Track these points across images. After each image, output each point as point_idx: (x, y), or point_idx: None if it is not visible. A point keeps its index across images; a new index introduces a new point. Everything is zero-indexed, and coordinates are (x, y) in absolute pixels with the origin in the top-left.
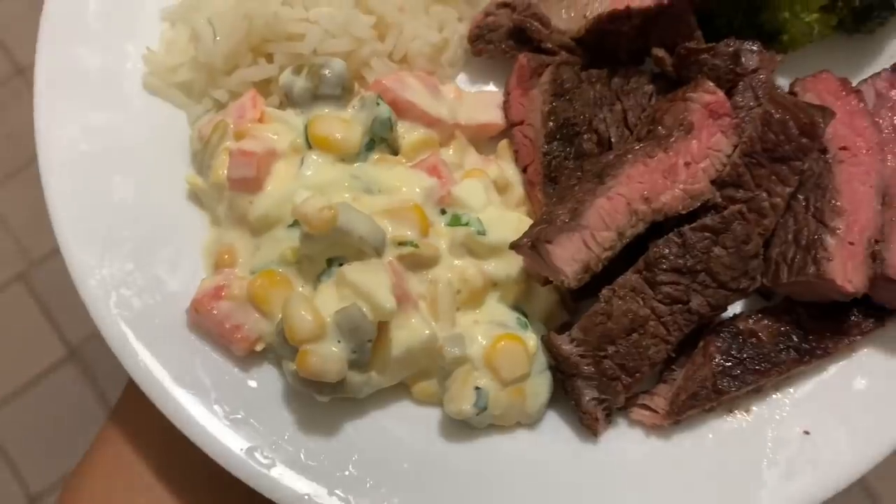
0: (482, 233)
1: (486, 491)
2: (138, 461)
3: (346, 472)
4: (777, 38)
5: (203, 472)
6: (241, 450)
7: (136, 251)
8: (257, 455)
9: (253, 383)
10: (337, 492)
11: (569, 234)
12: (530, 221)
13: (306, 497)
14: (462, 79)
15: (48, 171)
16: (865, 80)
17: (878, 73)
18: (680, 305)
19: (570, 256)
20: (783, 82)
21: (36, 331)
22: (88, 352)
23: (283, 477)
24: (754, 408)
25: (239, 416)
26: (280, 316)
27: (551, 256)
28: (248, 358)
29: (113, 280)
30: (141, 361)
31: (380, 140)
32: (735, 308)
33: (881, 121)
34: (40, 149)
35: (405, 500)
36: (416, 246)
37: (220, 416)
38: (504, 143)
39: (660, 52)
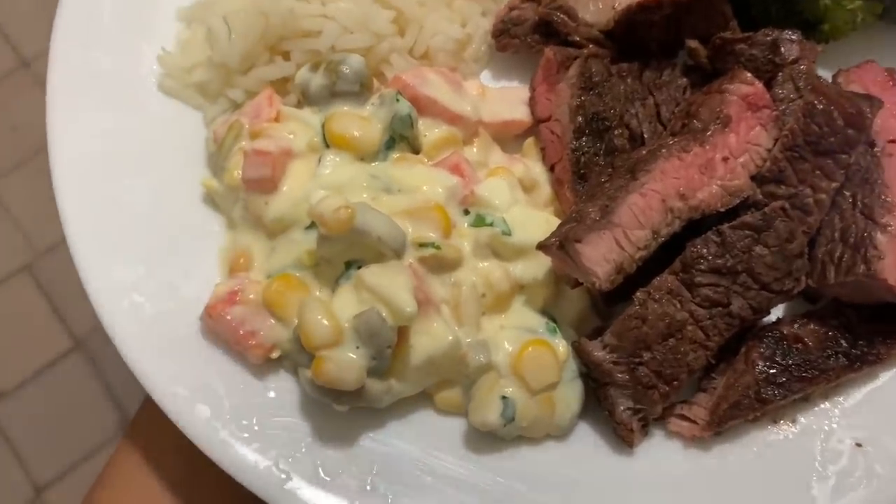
0: (507, 233)
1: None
2: (156, 474)
3: (367, 487)
4: (817, 28)
5: (220, 485)
6: (256, 463)
7: (149, 256)
8: (273, 468)
9: (269, 393)
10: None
11: (600, 233)
12: (558, 221)
13: None
14: (486, 75)
15: (60, 174)
16: None
17: None
18: (720, 308)
19: (602, 256)
20: (825, 74)
21: (42, 322)
22: (94, 343)
23: (300, 491)
24: (801, 418)
25: (255, 428)
26: (296, 321)
27: (581, 257)
28: (264, 366)
29: (125, 285)
30: (153, 370)
31: (400, 138)
32: (778, 312)
33: None
34: (52, 151)
35: None
36: (439, 247)
37: (235, 428)
38: (530, 140)
39: (694, 44)
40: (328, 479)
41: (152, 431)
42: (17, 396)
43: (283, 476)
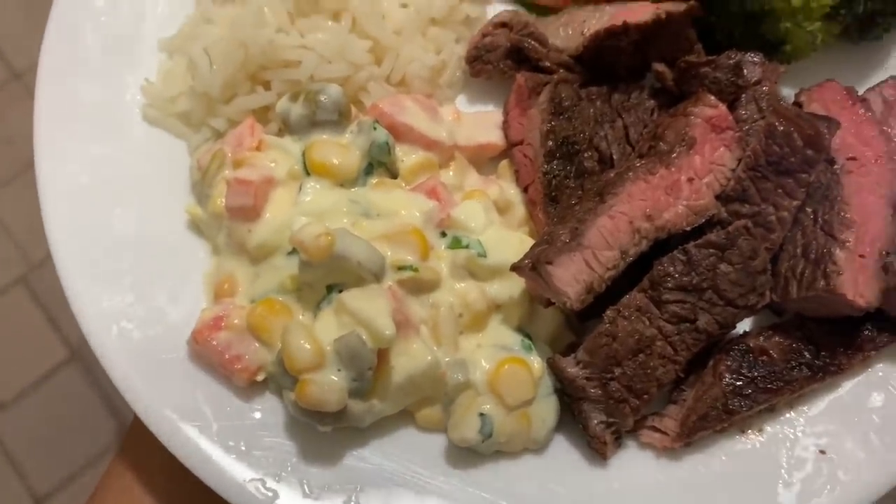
0: (483, 255)
1: None
2: (147, 492)
3: (349, 501)
4: (779, 49)
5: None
6: (244, 481)
7: (136, 283)
8: (260, 486)
9: (255, 414)
10: None
11: (570, 255)
12: (532, 241)
13: None
14: (461, 100)
15: (49, 204)
16: (872, 88)
17: (885, 81)
18: (687, 324)
19: (573, 277)
20: (787, 93)
21: (38, 333)
22: (90, 353)
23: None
24: (767, 427)
25: (242, 448)
26: (280, 345)
27: (552, 278)
28: (250, 388)
29: (114, 312)
30: (142, 394)
31: (378, 164)
32: (744, 325)
33: (889, 129)
34: (41, 182)
35: None
36: (417, 270)
37: (223, 448)
38: (505, 163)
39: (660, 67)
40: (313, 496)
41: (143, 450)
42: (14, 407)
43: (270, 494)
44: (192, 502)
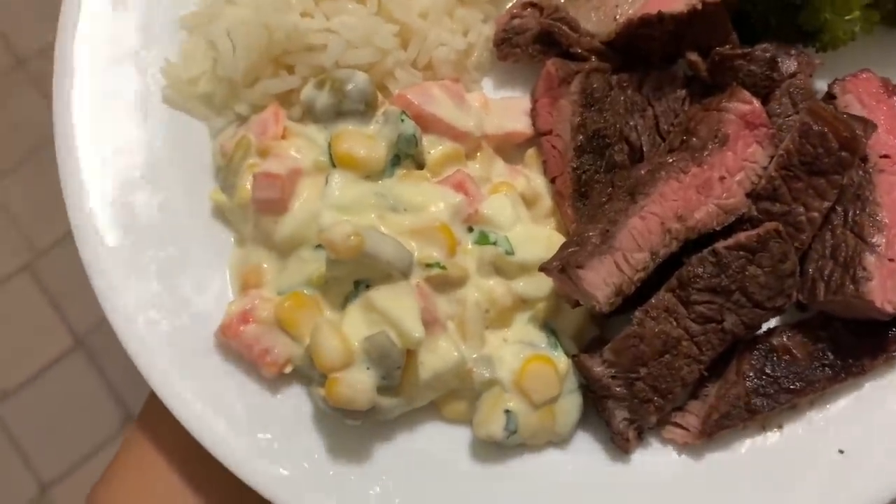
0: (511, 252)
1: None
2: (163, 472)
3: (375, 492)
4: (816, 38)
5: (226, 485)
6: (271, 472)
7: (161, 272)
8: (288, 477)
9: (282, 405)
10: None
11: (601, 258)
12: (560, 238)
13: None
14: (488, 83)
15: (72, 193)
16: None
17: None
18: (713, 325)
19: (602, 280)
20: (821, 82)
21: (43, 321)
22: (95, 341)
23: (311, 500)
24: (788, 425)
25: (269, 438)
26: (308, 338)
27: (583, 282)
28: (277, 380)
29: (141, 303)
30: (171, 387)
31: (405, 156)
32: (770, 321)
33: None
34: (62, 170)
35: None
36: (444, 268)
37: (251, 440)
38: (532, 151)
39: (694, 57)
40: (338, 486)
41: (158, 430)
42: (19, 395)
43: (296, 483)
44: (212, 482)
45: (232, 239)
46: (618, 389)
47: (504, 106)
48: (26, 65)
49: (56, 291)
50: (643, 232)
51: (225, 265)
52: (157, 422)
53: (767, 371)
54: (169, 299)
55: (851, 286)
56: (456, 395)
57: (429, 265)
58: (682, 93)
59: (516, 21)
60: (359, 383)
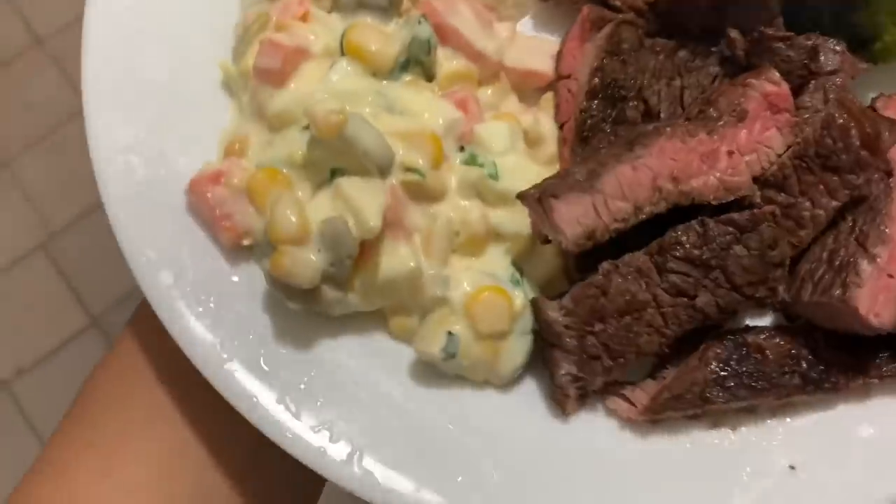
0: (494, 177)
1: (439, 441)
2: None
3: (301, 386)
4: (868, 45)
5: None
6: (203, 338)
7: (154, 123)
8: (217, 346)
9: (233, 278)
10: (285, 401)
11: (579, 195)
12: None
13: (254, 399)
14: (526, 24)
15: (90, 28)
16: None
17: None
18: (685, 299)
19: (575, 218)
20: (865, 95)
21: (58, 300)
22: (110, 320)
23: (237, 373)
24: (743, 428)
25: (210, 306)
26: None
27: (554, 213)
28: (235, 254)
29: (125, 143)
30: (131, 230)
31: (416, 62)
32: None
33: None
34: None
35: (350, 429)
36: (423, 175)
37: (192, 301)
38: (548, 95)
39: (734, 33)
40: (267, 369)
41: (145, 338)
42: (34, 374)
43: (225, 356)
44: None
45: (231, 111)
46: (568, 340)
47: (531, 44)
48: (45, 44)
49: (71, 271)
50: (632, 182)
51: (218, 134)
52: (145, 333)
53: (732, 363)
54: (153, 149)
55: (839, 290)
56: (406, 310)
57: (408, 169)
58: (716, 70)
59: None
60: (305, 261)
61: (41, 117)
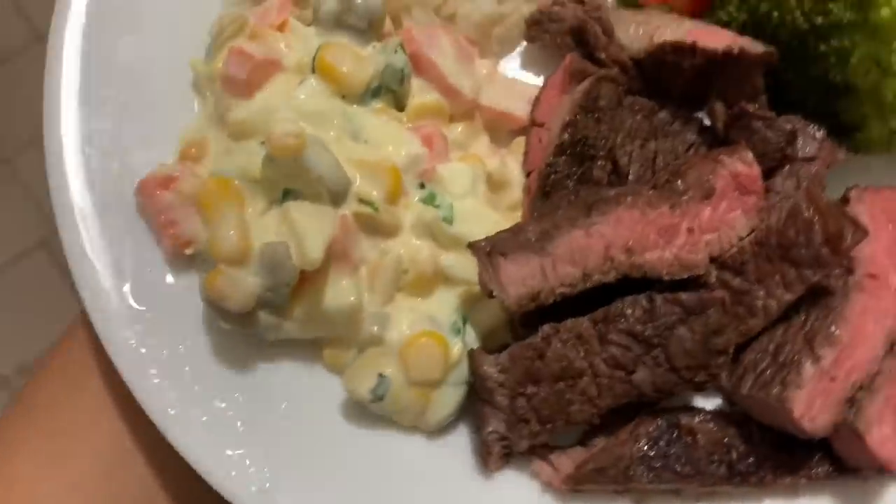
0: (449, 221)
1: (357, 484)
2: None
3: (223, 406)
4: (851, 134)
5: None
6: (128, 342)
7: (117, 115)
8: (143, 353)
9: (172, 286)
10: (203, 419)
11: (529, 255)
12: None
13: (171, 412)
14: (510, 62)
15: (63, 11)
16: None
17: None
18: (622, 372)
19: (522, 278)
20: (839, 183)
21: (59, 297)
22: None
23: (157, 385)
24: None
25: (143, 310)
26: None
27: (501, 271)
28: (179, 261)
29: (83, 133)
30: (75, 221)
31: (387, 90)
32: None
33: None
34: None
35: (267, 461)
36: (377, 209)
37: (124, 302)
38: (520, 140)
39: (717, 104)
40: (190, 384)
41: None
42: (34, 372)
43: (149, 367)
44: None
45: (197, 112)
46: (500, 398)
47: (510, 85)
48: (45, 40)
49: None
50: (583, 248)
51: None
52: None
53: (662, 444)
54: (110, 141)
55: (778, 388)
56: (341, 343)
57: (363, 201)
58: (693, 137)
59: (556, 8)
60: (241, 283)
61: (41, 114)
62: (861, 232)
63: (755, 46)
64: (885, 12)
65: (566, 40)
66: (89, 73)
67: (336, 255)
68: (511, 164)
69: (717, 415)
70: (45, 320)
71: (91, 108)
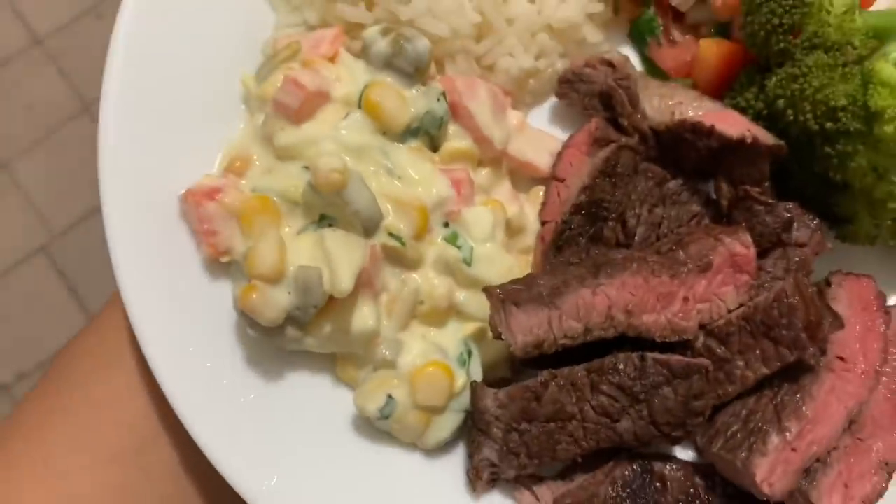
0: (468, 263)
1: (356, 490)
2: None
3: (241, 401)
4: (842, 225)
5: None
6: (159, 332)
7: (165, 119)
8: (172, 343)
9: (206, 288)
10: (220, 411)
11: (538, 307)
12: (520, 273)
13: (191, 403)
14: (540, 111)
15: (124, 25)
16: None
17: None
18: (608, 420)
19: (529, 327)
20: (824, 266)
21: (59, 303)
22: None
23: (181, 374)
24: None
25: (175, 305)
26: (255, 241)
27: (511, 319)
28: (214, 266)
29: (132, 136)
30: (118, 217)
31: (425, 132)
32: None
33: (894, 351)
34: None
35: (272, 458)
36: (404, 244)
37: (159, 296)
38: (538, 188)
39: (723, 183)
40: (210, 378)
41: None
42: (35, 378)
43: (177, 356)
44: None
45: (242, 125)
46: (495, 430)
47: (537, 137)
48: (43, 44)
49: (72, 274)
50: (588, 306)
51: (224, 144)
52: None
53: (633, 487)
54: (159, 145)
55: (745, 453)
56: (355, 360)
57: (392, 234)
58: (697, 209)
59: (588, 70)
60: (273, 301)
61: (41, 118)
62: (838, 323)
63: (767, 137)
64: (888, 128)
65: (593, 102)
66: (145, 77)
67: (361, 281)
68: (528, 211)
69: (686, 465)
70: (44, 328)
71: (142, 120)
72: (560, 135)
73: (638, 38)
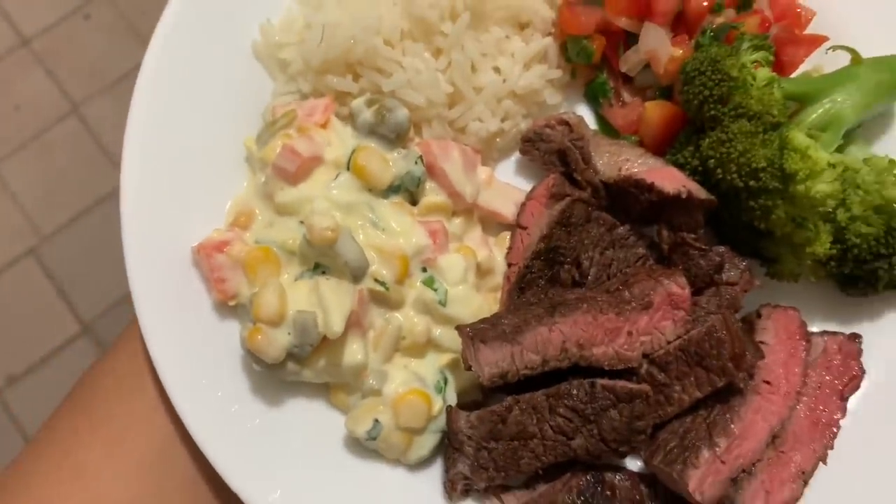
0: (443, 303)
1: (346, 496)
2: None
3: (248, 426)
4: (770, 264)
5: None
6: (177, 363)
7: (179, 179)
8: (186, 374)
9: (215, 327)
10: (228, 431)
11: (502, 343)
12: (489, 311)
13: (204, 426)
14: (506, 165)
15: (138, 96)
16: (822, 334)
17: (836, 334)
18: (564, 438)
19: (495, 361)
20: (755, 299)
21: (49, 306)
22: (102, 327)
23: (195, 401)
24: None
25: (189, 342)
26: (258, 287)
27: (479, 354)
28: (223, 309)
29: (151, 197)
30: (139, 266)
31: (405, 189)
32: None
33: (812, 374)
34: (144, 67)
35: (275, 471)
36: (388, 289)
37: (174, 331)
38: (504, 234)
39: (663, 230)
40: (222, 405)
41: (130, 363)
42: (26, 381)
43: (190, 384)
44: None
45: (245, 183)
46: (467, 448)
47: (503, 189)
48: (30, 44)
49: (62, 276)
50: (545, 341)
51: (230, 199)
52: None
53: (586, 495)
54: (173, 202)
55: (680, 465)
56: (346, 388)
57: (377, 280)
58: (642, 252)
59: (547, 130)
60: (275, 341)
61: (28, 120)
62: (759, 354)
63: (700, 192)
64: (801, 187)
65: (552, 158)
66: (160, 142)
67: (351, 322)
68: (496, 254)
69: (633, 475)
70: (34, 331)
71: (157, 163)
72: (524, 186)
73: (592, 98)
